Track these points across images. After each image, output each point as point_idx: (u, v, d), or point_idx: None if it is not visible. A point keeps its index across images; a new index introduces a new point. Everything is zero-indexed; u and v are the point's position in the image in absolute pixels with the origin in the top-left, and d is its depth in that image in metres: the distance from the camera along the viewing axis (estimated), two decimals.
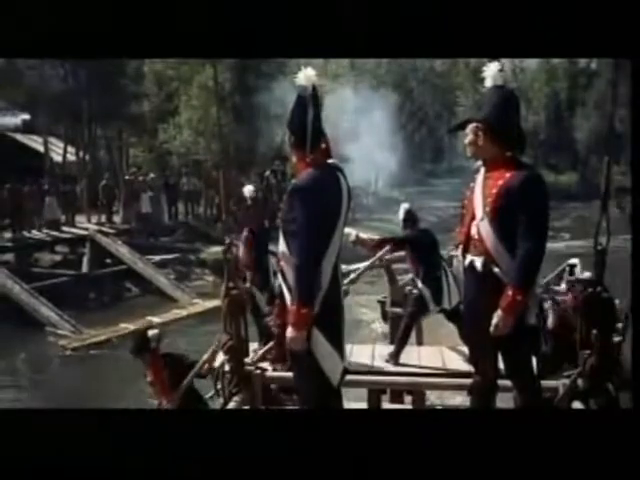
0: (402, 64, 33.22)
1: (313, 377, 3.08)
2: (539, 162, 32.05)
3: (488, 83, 3.36)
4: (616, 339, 4.23)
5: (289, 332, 2.99)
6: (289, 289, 3.05)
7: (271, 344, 5.34)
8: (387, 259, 6.58)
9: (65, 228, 18.46)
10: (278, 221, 3.44)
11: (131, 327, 12.82)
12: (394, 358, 5.46)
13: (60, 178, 21.28)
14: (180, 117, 23.25)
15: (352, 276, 5.74)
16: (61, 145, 25.11)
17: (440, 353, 5.66)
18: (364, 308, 12.23)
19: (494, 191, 3.25)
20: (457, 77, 38.85)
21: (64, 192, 19.19)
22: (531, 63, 37.13)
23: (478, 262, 3.33)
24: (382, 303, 7.39)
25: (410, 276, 5.99)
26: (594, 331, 3.87)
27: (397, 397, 5.90)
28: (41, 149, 23.93)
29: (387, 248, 5.81)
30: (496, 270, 3.27)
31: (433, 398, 6.87)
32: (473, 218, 3.37)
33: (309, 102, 3.07)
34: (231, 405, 4.79)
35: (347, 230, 3.79)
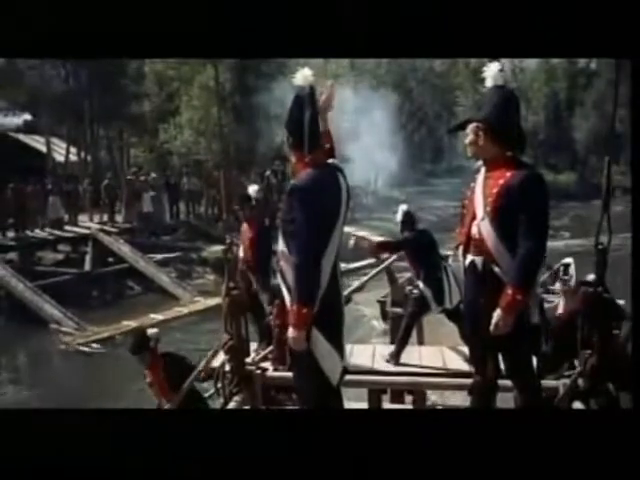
0: (402, 64, 33.24)
1: (313, 377, 3.07)
2: (539, 162, 32.10)
3: (488, 83, 3.36)
4: (620, 337, 4.24)
5: (290, 332, 2.98)
6: (288, 289, 3.04)
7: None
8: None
9: (68, 227, 18.55)
10: (278, 221, 3.42)
11: (133, 324, 12.86)
12: (395, 358, 5.47)
13: (63, 178, 21.39)
14: (181, 117, 23.30)
15: (357, 284, 5.73)
16: (63, 145, 25.22)
17: (441, 353, 5.67)
18: (362, 305, 12.23)
19: (495, 191, 3.25)
20: (457, 77, 38.83)
21: (67, 192, 19.25)
22: (531, 63, 37.19)
23: (479, 262, 3.33)
24: (382, 303, 7.39)
25: (410, 274, 5.99)
26: (595, 331, 3.88)
27: (398, 397, 5.90)
28: (43, 149, 24.01)
29: (394, 258, 5.79)
30: (497, 270, 3.26)
31: (434, 398, 6.87)
32: (474, 218, 3.37)
33: (306, 102, 3.05)
34: (231, 405, 4.79)
35: (347, 229, 3.79)
